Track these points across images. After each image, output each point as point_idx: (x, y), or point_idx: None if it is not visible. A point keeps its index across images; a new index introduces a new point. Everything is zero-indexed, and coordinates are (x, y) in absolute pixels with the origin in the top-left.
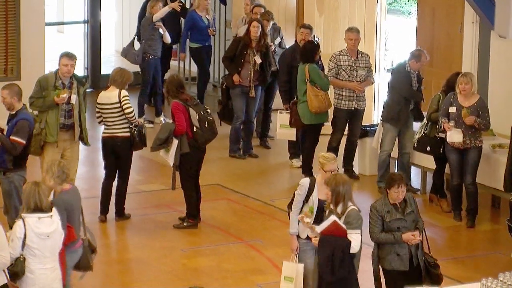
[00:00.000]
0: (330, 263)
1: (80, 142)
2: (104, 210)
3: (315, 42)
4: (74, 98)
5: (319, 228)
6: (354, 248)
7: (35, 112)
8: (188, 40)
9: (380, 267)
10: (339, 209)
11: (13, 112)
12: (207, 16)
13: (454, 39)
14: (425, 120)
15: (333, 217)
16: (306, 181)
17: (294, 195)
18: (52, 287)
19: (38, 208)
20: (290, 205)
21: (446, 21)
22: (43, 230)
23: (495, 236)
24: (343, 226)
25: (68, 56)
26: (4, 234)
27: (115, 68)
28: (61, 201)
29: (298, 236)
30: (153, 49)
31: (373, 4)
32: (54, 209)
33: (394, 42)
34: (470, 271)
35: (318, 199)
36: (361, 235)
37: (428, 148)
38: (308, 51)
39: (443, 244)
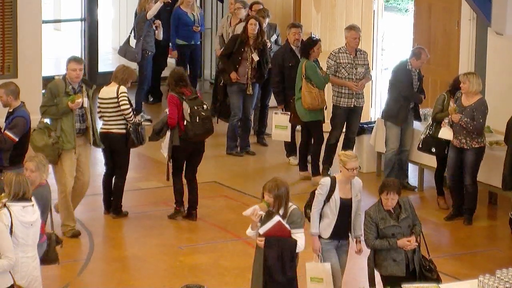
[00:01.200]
0: (280, 263)
1: (92, 145)
2: (107, 206)
3: (314, 39)
4: (86, 102)
5: (263, 229)
6: (300, 247)
7: (46, 120)
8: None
9: (377, 272)
10: (281, 211)
11: (11, 110)
12: (193, 12)
13: (451, 36)
14: (430, 120)
15: (277, 218)
16: (327, 180)
17: (311, 195)
18: (34, 275)
19: (23, 198)
20: (307, 206)
21: (443, 18)
22: (28, 219)
23: (492, 233)
24: (287, 226)
25: (76, 61)
26: (9, 235)
27: (119, 65)
28: (39, 195)
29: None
30: (150, 45)
31: (370, 2)
32: (33, 198)
33: (391, 41)
34: (467, 268)
35: (340, 198)
36: (304, 234)
37: (433, 149)
38: (306, 47)
39: (440, 240)
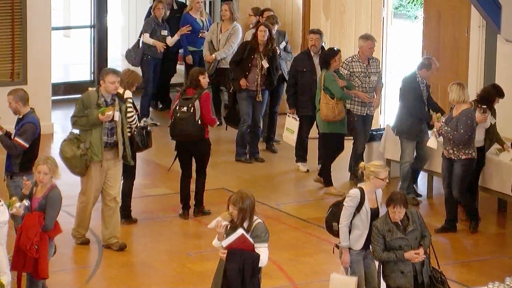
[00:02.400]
0: (240, 277)
1: (122, 160)
2: None
3: (335, 49)
4: (117, 115)
5: (226, 242)
6: (262, 262)
7: (76, 131)
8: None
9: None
10: (245, 224)
11: (20, 116)
12: (201, 18)
13: (460, 43)
14: None
15: (240, 230)
16: (356, 192)
17: (332, 208)
18: (6, 272)
19: None
20: (332, 219)
21: (452, 25)
22: (2, 219)
23: (501, 240)
24: (251, 239)
25: (115, 73)
26: (6, 254)
27: (125, 69)
28: (58, 194)
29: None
30: (152, 50)
31: (379, 9)
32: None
33: (399, 47)
34: (476, 275)
35: (370, 208)
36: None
37: None
38: (326, 57)
39: (449, 248)
